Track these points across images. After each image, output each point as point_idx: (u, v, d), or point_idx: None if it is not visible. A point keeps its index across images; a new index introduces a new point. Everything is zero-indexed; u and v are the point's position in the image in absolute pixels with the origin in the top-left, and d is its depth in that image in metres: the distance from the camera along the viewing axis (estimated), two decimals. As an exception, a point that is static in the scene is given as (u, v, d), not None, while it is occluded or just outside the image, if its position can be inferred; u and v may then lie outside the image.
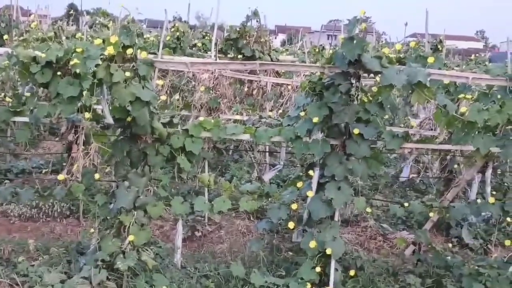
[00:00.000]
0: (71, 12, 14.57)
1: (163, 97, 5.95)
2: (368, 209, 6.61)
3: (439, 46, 10.59)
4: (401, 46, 9.78)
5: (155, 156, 4.87)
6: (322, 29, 20.71)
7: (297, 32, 21.64)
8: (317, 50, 14.84)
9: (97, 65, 4.33)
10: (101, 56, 4.36)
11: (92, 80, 4.32)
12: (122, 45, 4.40)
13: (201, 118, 5.00)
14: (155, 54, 6.88)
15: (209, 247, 6.08)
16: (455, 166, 6.94)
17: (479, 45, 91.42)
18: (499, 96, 4.82)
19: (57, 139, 9.26)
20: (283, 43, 32.41)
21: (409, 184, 8.94)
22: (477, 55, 13.70)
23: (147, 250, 5.01)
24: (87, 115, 4.52)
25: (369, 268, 5.38)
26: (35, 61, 4.39)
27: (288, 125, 5.05)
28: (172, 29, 9.94)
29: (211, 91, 6.96)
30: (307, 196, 4.97)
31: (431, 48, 11.13)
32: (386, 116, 11.93)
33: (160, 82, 6.33)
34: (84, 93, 4.43)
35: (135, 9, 4.79)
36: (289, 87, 8.45)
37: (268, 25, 10.93)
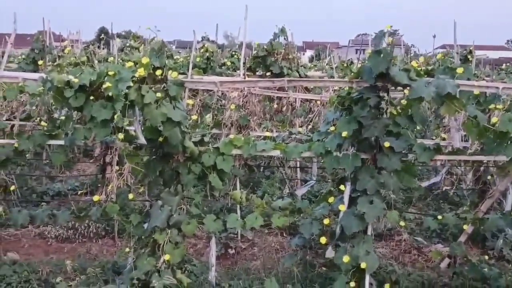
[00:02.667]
0: (102, 36, 14.84)
1: (194, 117, 6.04)
2: (402, 223, 6.57)
3: (468, 57, 10.51)
4: (426, 59, 9.72)
5: (187, 174, 4.93)
6: (350, 44, 20.64)
7: (324, 48, 21.70)
8: (345, 64, 14.86)
9: (128, 87, 4.43)
10: (133, 78, 4.47)
11: (124, 102, 4.41)
12: (152, 66, 4.51)
13: (231, 136, 5.05)
14: (185, 74, 7.01)
15: (242, 264, 6.11)
16: (489, 177, 6.85)
17: (511, 54, 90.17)
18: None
19: (91, 160, 9.44)
20: (311, 59, 32.47)
21: (443, 196, 8.84)
22: (507, 64, 13.53)
23: (182, 268, 5.07)
24: (120, 136, 4.61)
25: (404, 282, 5.34)
26: (68, 86, 4.50)
27: (318, 140, 5.07)
28: (202, 50, 10.10)
29: (241, 109, 7.03)
30: (339, 211, 4.97)
31: (460, 59, 11.07)
32: (418, 128, 11.91)
33: (190, 101, 6.43)
34: (116, 115, 4.52)
35: (156, 30, 4.87)
36: (318, 102, 8.48)
37: (295, 41, 11.01)
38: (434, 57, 17.11)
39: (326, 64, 16.32)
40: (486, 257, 5.97)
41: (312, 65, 16.18)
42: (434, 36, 13.98)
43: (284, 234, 7.05)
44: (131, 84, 4.44)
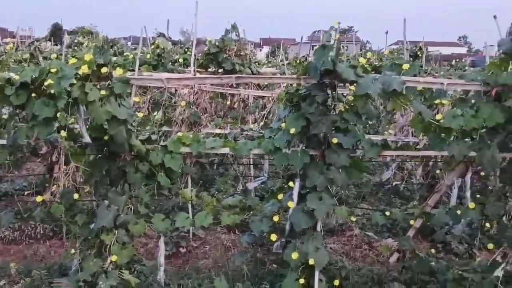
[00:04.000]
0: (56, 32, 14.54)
1: (141, 114, 5.95)
2: (353, 218, 6.62)
3: (418, 53, 10.68)
4: (379, 55, 9.83)
5: (135, 173, 4.85)
6: (302, 40, 20.72)
7: (282, 44, 21.73)
8: (298, 61, 14.91)
9: (72, 85, 4.32)
10: (76, 76, 4.36)
11: (67, 99, 4.30)
12: (96, 63, 4.40)
13: (179, 134, 4.99)
14: (134, 71, 6.91)
15: (193, 263, 6.05)
16: (437, 171, 6.97)
17: (463, 50, 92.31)
18: (473, 101, 4.86)
19: (39, 160, 9.21)
20: (268, 56, 32.51)
21: (394, 191, 8.95)
22: (457, 60, 13.83)
23: (131, 269, 5.00)
24: (63, 134, 4.49)
25: (354, 277, 5.37)
26: (10, 83, 4.37)
27: (270, 137, 5.06)
28: (152, 46, 9.97)
29: (191, 106, 6.97)
30: (289, 208, 4.97)
31: (410, 55, 11.24)
32: (370, 123, 12.04)
33: (137, 99, 6.33)
34: (60, 113, 4.41)
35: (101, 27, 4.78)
36: (270, 99, 8.48)
37: (252, 38, 11.01)
38: (388, 54, 17.35)
39: (280, 61, 16.36)
40: (433, 250, 6.08)
41: (266, 62, 16.17)
42: (387, 33, 14.10)
43: (237, 232, 7.01)
44: (75, 81, 4.33)
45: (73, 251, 4.98)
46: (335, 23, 4.64)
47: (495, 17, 5.75)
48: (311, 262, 4.70)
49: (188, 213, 6.35)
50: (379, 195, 8.94)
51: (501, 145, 4.93)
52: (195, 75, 6.44)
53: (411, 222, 5.54)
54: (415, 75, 5.12)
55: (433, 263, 5.55)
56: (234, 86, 7.77)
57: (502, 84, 4.66)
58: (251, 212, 5.45)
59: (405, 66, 4.84)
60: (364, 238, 6.85)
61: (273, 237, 4.96)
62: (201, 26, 8.77)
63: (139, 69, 7.61)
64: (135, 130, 4.92)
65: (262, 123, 8.28)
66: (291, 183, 5.03)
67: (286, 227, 5.04)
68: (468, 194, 5.27)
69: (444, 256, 6.24)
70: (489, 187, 7.46)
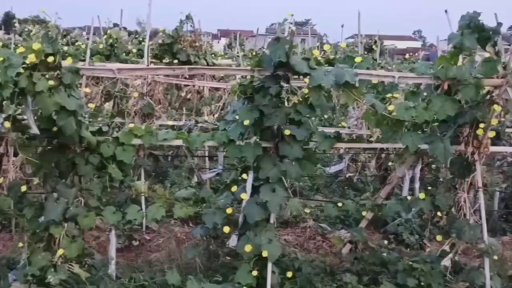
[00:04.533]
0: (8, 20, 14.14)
1: (92, 105, 5.84)
2: (307, 210, 6.67)
3: (373, 47, 10.80)
4: (330, 48, 9.87)
5: (85, 165, 4.75)
6: (258, 32, 20.73)
7: (239, 36, 21.66)
8: (254, 53, 14.88)
9: (19, 74, 4.19)
10: (23, 65, 4.23)
11: (13, 89, 4.17)
12: (45, 53, 4.29)
13: (131, 125, 4.91)
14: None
15: (146, 256, 5.98)
16: (390, 163, 7.07)
17: (418, 44, 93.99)
18: (424, 94, 4.93)
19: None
20: (226, 47, 32.33)
21: (348, 183, 9.04)
22: (411, 54, 14.09)
23: (82, 262, 4.91)
24: (7, 125, 4.37)
25: (306, 269, 5.38)
26: (-47, 72, 4.22)
27: (224, 129, 5.03)
28: (105, 36, 9.79)
29: (145, 97, 6.87)
30: (243, 200, 4.96)
31: (366, 49, 11.36)
32: (326, 116, 12.12)
33: (88, 90, 6.20)
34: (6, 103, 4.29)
35: (55, 15, 4.67)
36: (226, 91, 8.45)
37: (210, 29, 10.93)
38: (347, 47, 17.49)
39: (236, 53, 16.30)
40: (386, 241, 6.17)
41: (223, 53, 16.09)
42: (342, 26, 14.21)
43: (191, 224, 6.97)
44: (22, 70, 4.21)
45: (21, 244, 4.85)
46: (287, 15, 4.63)
47: (446, 11, 5.84)
48: (264, 254, 4.70)
49: (141, 206, 6.32)
50: (334, 186, 9.03)
51: (451, 138, 5.03)
52: (148, 65, 6.35)
53: (364, 213, 5.60)
54: (368, 68, 5.15)
55: (384, 254, 5.64)
56: (186, 77, 7.70)
57: (452, 78, 4.73)
58: (204, 205, 5.43)
59: (358, 59, 4.87)
60: (317, 230, 6.89)
61: (226, 229, 4.95)
62: (162, 16, 8.74)
63: (91, 59, 7.47)
64: (86, 122, 4.82)
65: (217, 115, 8.25)
66: (244, 175, 5.01)
67: (240, 220, 5.02)
68: (417, 185, 5.37)
69: (396, 247, 6.32)
70: (441, 179, 7.65)
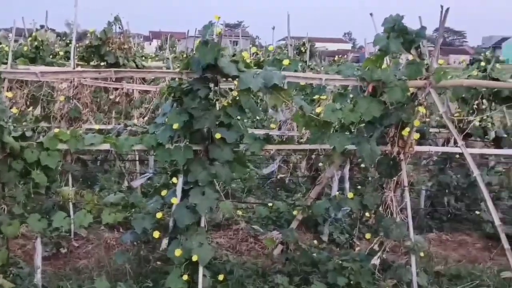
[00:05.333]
0: None
1: (15, 110, 5.64)
2: (239, 212, 6.68)
3: (302, 49, 10.92)
4: (257, 50, 9.94)
5: (8, 172, 4.59)
6: (188, 34, 20.55)
7: (170, 37, 21.49)
8: (185, 55, 14.79)
9: None
10: None
11: None
12: (-39, 55, 4.12)
13: (56, 130, 4.77)
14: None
15: (75, 263, 5.82)
16: (320, 164, 7.16)
17: (348, 46, 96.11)
18: (351, 96, 5.02)
19: None
20: (158, 49, 32.03)
21: (280, 184, 9.11)
22: (340, 56, 14.36)
23: (6, 272, 4.74)
24: None
25: (238, 271, 5.39)
26: None
27: (154, 132, 4.96)
28: (30, 38, 9.46)
29: (71, 101, 6.69)
30: (173, 204, 4.91)
31: (296, 50, 11.50)
32: (258, 118, 12.16)
33: (10, 94, 5.98)
34: None
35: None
36: (156, 93, 8.35)
37: (141, 31, 10.77)
38: (277, 49, 17.62)
39: (167, 55, 16.15)
40: (316, 241, 6.24)
41: (154, 55, 15.92)
42: (273, 28, 14.32)
43: (121, 230, 6.83)
44: None
45: None
46: (215, 17, 4.61)
47: (371, 14, 5.97)
48: (194, 258, 4.67)
49: (69, 212, 6.15)
50: (266, 188, 9.07)
51: (378, 138, 5.15)
52: (74, 68, 6.18)
53: (294, 213, 5.66)
54: (296, 71, 5.20)
55: (315, 254, 5.70)
56: (113, 80, 7.55)
57: (377, 80, 4.85)
58: (134, 210, 5.34)
59: (286, 62, 4.91)
60: (250, 232, 6.90)
61: (156, 234, 4.88)
62: (92, 18, 8.58)
63: (14, 62, 7.22)
64: (9, 126, 4.64)
65: (147, 118, 8.13)
66: (174, 179, 4.97)
67: (170, 224, 4.97)
68: (347, 185, 5.46)
69: (327, 247, 6.40)
70: (370, 179, 7.81)
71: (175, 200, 4.85)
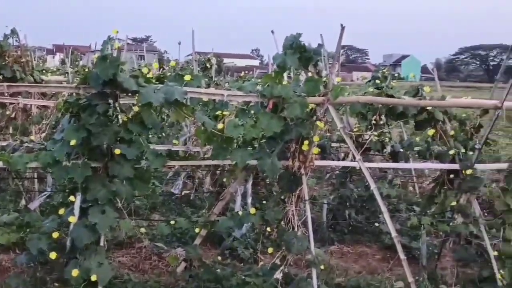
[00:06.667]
0: None
1: None
2: (143, 229, 6.54)
3: (207, 65, 10.95)
4: (174, 64, 9.88)
5: None
6: (96, 47, 20.11)
7: (74, 51, 20.94)
8: (86, 69, 14.39)
9: None
10: None
11: None
12: None
13: None
14: None
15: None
16: (224, 180, 7.16)
17: (256, 62, 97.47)
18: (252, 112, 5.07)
19: None
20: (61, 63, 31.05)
21: (186, 200, 9.03)
22: (246, 72, 14.51)
23: None
24: None
25: (139, 290, 5.29)
26: None
27: (51, 149, 4.77)
28: None
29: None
30: (70, 223, 4.74)
31: (203, 66, 11.50)
32: (164, 134, 12.01)
33: None
34: None
35: None
36: (55, 108, 8.08)
37: (45, 44, 10.39)
38: (184, 64, 17.55)
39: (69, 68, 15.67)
40: (220, 257, 6.22)
41: (56, 69, 15.40)
42: (179, 43, 14.29)
43: (18, 251, 6.51)
44: None
45: None
46: (113, 32, 4.53)
47: (272, 32, 6.08)
48: (93, 278, 4.52)
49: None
50: (171, 205, 8.97)
51: (279, 154, 5.22)
52: (-34, 82, 5.85)
53: (196, 230, 5.62)
54: (199, 86, 5.20)
55: (219, 270, 5.69)
56: (8, 95, 7.24)
57: (278, 96, 4.92)
58: (29, 230, 5.12)
59: (187, 77, 4.90)
60: (153, 250, 6.78)
61: (53, 255, 4.67)
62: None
63: None
64: None
65: (44, 134, 7.84)
66: (72, 197, 4.80)
67: (67, 244, 4.79)
68: (249, 200, 5.50)
69: (231, 262, 6.40)
70: (274, 193, 7.90)
71: (73, 219, 4.68)
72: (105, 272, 4.62)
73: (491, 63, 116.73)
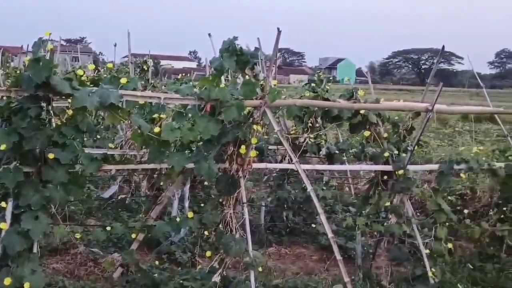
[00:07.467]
0: None
1: None
2: (78, 235, 6.40)
3: (144, 67, 10.82)
4: (111, 67, 9.70)
5: None
6: (28, 48, 19.51)
7: (5, 52, 20.24)
8: (18, 71, 13.93)
9: None
10: None
11: None
12: None
13: None
14: None
15: None
16: (161, 183, 7.10)
17: (194, 64, 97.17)
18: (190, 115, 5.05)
19: None
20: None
21: (122, 204, 8.89)
22: (183, 74, 14.41)
23: None
24: None
25: (75, 297, 5.18)
26: None
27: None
28: None
29: None
30: (2, 230, 4.60)
31: (140, 68, 11.34)
32: (99, 137, 11.79)
33: None
34: None
35: None
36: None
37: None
38: (120, 66, 17.25)
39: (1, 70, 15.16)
40: (157, 262, 6.16)
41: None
42: (115, 45, 14.02)
43: None
44: None
45: None
46: (46, 34, 4.43)
47: (209, 35, 6.09)
48: (26, 286, 4.41)
49: None
50: (108, 209, 8.81)
51: (217, 157, 5.24)
52: None
53: (133, 235, 5.56)
54: (135, 89, 5.14)
55: (156, 275, 5.63)
56: None
57: (215, 99, 4.94)
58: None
59: (123, 80, 4.82)
60: (89, 255, 6.64)
61: (-18, 263, 4.54)
62: None
63: None
64: None
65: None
66: (3, 203, 4.65)
67: (-1, 251, 4.65)
68: (187, 204, 5.49)
69: (169, 267, 6.33)
70: (213, 196, 7.91)
71: (4, 226, 4.55)
72: (38, 279, 4.52)
73: (423, 66, 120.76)
